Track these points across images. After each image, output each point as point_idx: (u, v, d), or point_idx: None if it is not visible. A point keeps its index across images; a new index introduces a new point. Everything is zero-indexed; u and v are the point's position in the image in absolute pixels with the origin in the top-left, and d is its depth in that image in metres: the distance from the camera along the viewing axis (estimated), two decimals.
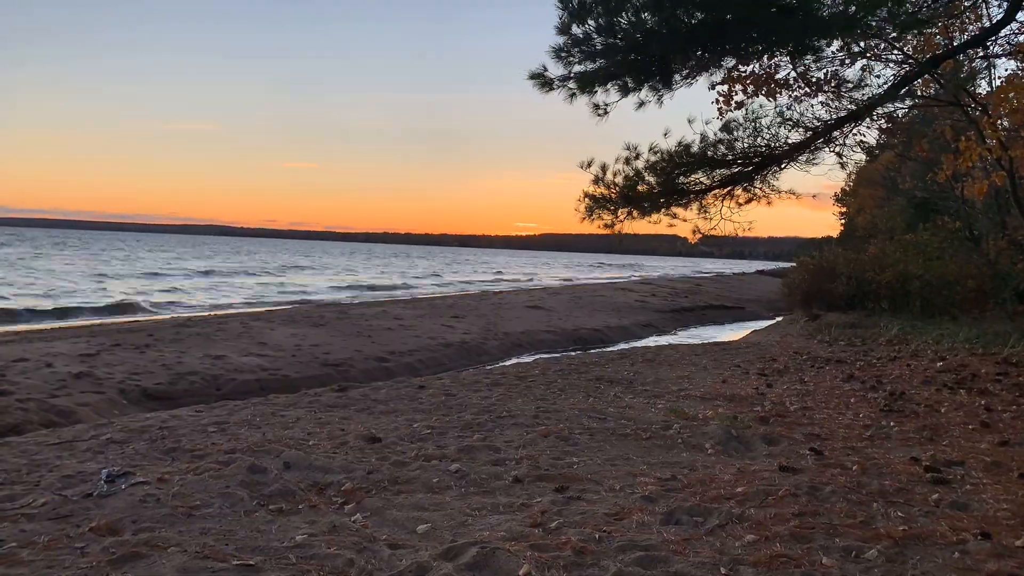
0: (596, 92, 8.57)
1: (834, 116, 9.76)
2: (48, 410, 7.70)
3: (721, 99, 11.49)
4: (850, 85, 9.64)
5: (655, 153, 9.54)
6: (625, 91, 8.54)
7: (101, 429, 5.94)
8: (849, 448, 5.51)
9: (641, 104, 8.71)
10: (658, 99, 8.66)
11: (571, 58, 8.21)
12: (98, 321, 17.88)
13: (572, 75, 8.38)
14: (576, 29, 7.96)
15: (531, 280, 50.36)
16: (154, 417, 6.56)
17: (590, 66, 8.21)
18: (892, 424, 6.37)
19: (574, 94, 8.56)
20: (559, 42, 8.14)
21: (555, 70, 8.50)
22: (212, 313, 19.27)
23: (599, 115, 9.01)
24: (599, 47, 8.00)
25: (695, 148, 9.49)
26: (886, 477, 4.67)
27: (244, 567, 3.23)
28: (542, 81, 8.55)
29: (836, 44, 9.02)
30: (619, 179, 9.66)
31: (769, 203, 10.04)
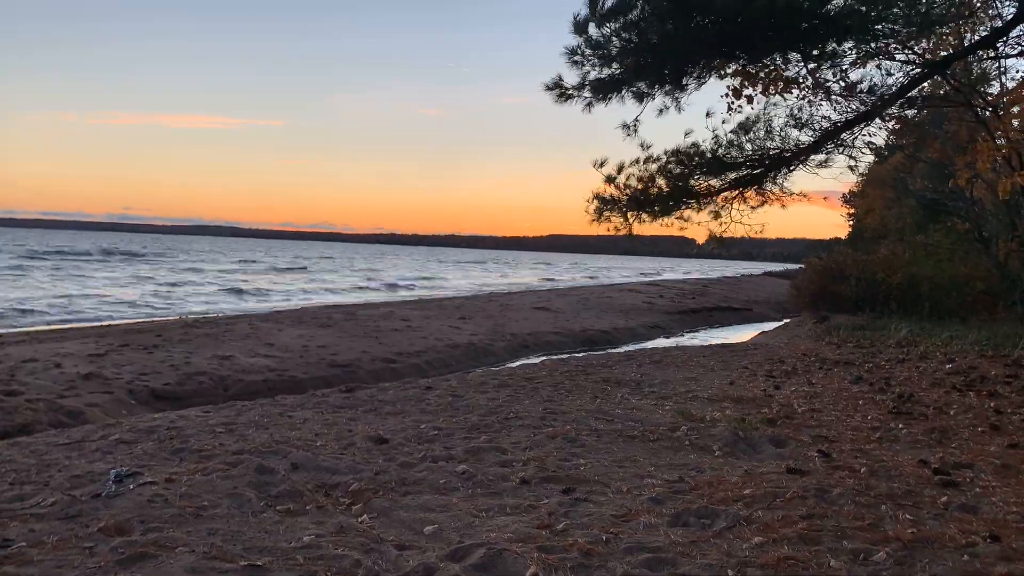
0: (612, 100, 8.51)
1: (844, 117, 9.69)
2: (57, 410, 7.74)
3: (731, 94, 11.39)
4: (862, 86, 9.57)
5: (667, 155, 9.51)
6: (640, 98, 8.48)
7: (110, 429, 5.96)
8: (857, 450, 5.48)
9: (661, 111, 8.72)
10: (676, 105, 8.64)
11: (585, 63, 8.15)
12: (106, 323, 18.02)
13: (587, 83, 8.32)
14: (593, 30, 7.89)
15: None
16: (162, 417, 6.58)
17: (605, 71, 8.16)
18: (901, 426, 6.33)
19: (590, 103, 8.51)
20: (573, 44, 8.08)
21: (569, 76, 8.43)
22: (220, 315, 19.36)
23: (628, 135, 9.07)
24: (614, 51, 7.94)
25: (706, 151, 9.44)
26: (894, 479, 4.64)
27: (252, 567, 3.24)
28: (560, 92, 8.47)
29: (848, 45, 8.96)
30: (632, 181, 9.62)
31: (783, 205, 9.98)
